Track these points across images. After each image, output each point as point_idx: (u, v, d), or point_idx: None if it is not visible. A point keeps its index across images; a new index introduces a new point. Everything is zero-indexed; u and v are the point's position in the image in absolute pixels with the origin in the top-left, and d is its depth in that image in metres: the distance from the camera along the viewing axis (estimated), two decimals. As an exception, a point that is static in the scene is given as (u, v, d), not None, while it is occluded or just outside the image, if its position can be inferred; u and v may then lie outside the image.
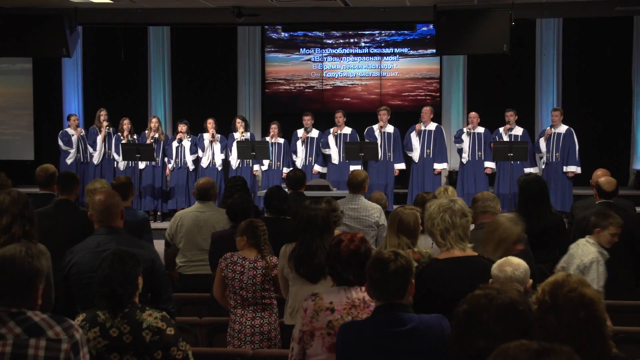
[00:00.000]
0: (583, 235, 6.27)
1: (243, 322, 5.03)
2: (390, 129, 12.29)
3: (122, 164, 12.51)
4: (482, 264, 4.04)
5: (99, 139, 12.67)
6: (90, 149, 12.75)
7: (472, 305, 2.39)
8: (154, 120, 12.60)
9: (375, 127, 12.29)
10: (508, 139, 11.91)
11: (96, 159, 12.73)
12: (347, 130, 12.40)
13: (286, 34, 14.77)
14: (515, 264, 3.85)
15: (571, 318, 2.74)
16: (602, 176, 6.99)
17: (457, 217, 4.11)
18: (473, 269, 3.95)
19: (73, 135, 12.70)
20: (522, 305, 2.40)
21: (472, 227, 6.04)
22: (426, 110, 12.38)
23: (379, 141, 12.05)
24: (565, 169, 11.90)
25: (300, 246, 4.76)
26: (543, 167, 12.04)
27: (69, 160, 12.65)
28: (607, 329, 2.81)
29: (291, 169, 10.56)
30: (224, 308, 5.27)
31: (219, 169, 12.46)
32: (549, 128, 12.05)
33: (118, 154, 12.53)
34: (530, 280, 3.76)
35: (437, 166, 12.27)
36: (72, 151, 12.67)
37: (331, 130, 12.39)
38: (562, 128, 11.97)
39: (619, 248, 6.25)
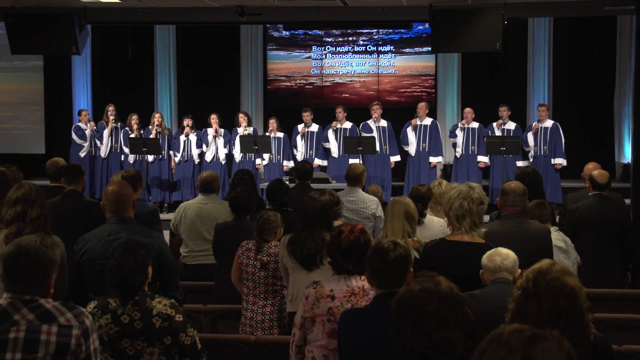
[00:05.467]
0: (575, 225, 6.30)
1: (255, 309, 5.12)
2: (384, 123, 12.31)
3: (131, 157, 12.53)
4: (485, 251, 4.09)
5: (106, 133, 12.68)
6: (98, 143, 12.77)
7: (417, 302, 2.36)
8: (157, 115, 12.61)
9: (370, 121, 12.30)
10: (501, 134, 11.94)
11: (103, 152, 12.73)
12: (348, 125, 12.40)
13: (287, 33, 14.76)
14: (504, 254, 3.87)
15: (551, 305, 2.77)
16: (593, 169, 7.02)
17: (475, 205, 4.18)
18: (477, 254, 4.01)
19: (86, 129, 12.72)
20: (457, 289, 2.43)
21: (486, 218, 6.15)
22: (422, 106, 12.39)
23: (375, 135, 12.07)
24: (552, 161, 11.93)
25: (294, 233, 4.82)
26: (531, 160, 12.07)
27: (82, 154, 12.65)
28: (587, 317, 2.84)
29: (301, 160, 10.57)
30: (240, 293, 5.32)
31: (223, 162, 12.47)
32: (536, 123, 12.07)
33: (127, 147, 12.55)
34: (519, 270, 3.78)
35: (433, 159, 12.30)
36: (86, 145, 12.69)
37: (332, 124, 12.41)
38: (549, 123, 12.00)
39: (609, 238, 6.28)
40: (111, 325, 3.54)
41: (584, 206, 6.36)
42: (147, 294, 3.61)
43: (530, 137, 11.95)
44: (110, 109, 12.75)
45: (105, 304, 3.59)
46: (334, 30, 14.61)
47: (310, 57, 14.74)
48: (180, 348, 3.59)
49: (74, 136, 12.69)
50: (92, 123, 12.86)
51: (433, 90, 14.42)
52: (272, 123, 12.46)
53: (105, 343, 3.53)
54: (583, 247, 6.28)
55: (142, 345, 3.54)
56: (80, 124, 12.82)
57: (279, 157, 12.40)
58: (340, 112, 12.37)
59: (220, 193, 11.75)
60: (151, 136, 12.29)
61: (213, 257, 6.40)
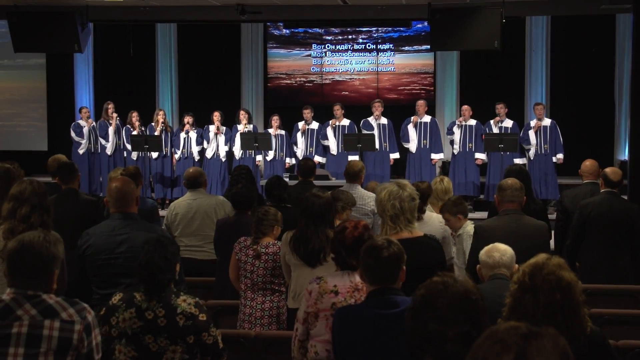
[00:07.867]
0: (584, 222, 6.28)
1: (253, 305, 5.06)
2: (384, 120, 12.30)
3: (134, 154, 12.51)
4: (429, 243, 4.22)
5: (111, 130, 12.64)
6: (101, 140, 12.73)
7: (429, 291, 2.43)
8: (160, 113, 12.59)
9: (371, 119, 12.27)
10: (498, 131, 11.92)
11: (109, 150, 12.69)
12: (346, 122, 12.38)
13: (287, 31, 14.75)
14: (502, 250, 3.89)
15: (548, 299, 2.79)
16: (590, 166, 7.02)
17: (406, 203, 4.22)
18: (421, 248, 4.13)
19: (84, 126, 12.70)
20: (475, 295, 2.43)
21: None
22: (421, 104, 12.37)
23: (375, 132, 12.06)
24: (554, 158, 11.92)
25: (297, 230, 4.79)
26: (532, 158, 12.05)
27: (80, 151, 12.62)
28: (583, 310, 2.85)
29: (303, 157, 10.55)
30: (238, 291, 5.29)
31: (223, 159, 12.45)
32: (538, 122, 12.01)
33: (129, 144, 12.53)
34: (516, 266, 3.79)
35: (435, 156, 12.28)
36: (84, 142, 12.64)
37: (330, 122, 12.40)
38: (547, 121, 11.98)
39: (619, 235, 6.26)
40: (135, 320, 3.49)
41: (594, 203, 6.33)
42: (173, 292, 3.54)
43: (532, 135, 11.91)
44: (110, 106, 12.71)
45: (131, 298, 3.53)
46: (333, 29, 14.59)
47: (310, 55, 14.73)
48: (202, 347, 3.54)
49: (72, 133, 12.66)
50: (91, 120, 12.83)
51: (432, 88, 14.42)
52: (276, 120, 12.42)
53: (129, 337, 3.48)
54: (592, 244, 6.27)
55: (165, 342, 3.48)
56: (80, 121, 12.79)
57: (281, 154, 12.38)
58: (338, 110, 12.35)
59: (221, 190, 11.85)
60: (156, 133, 12.27)
61: (205, 253, 6.47)
